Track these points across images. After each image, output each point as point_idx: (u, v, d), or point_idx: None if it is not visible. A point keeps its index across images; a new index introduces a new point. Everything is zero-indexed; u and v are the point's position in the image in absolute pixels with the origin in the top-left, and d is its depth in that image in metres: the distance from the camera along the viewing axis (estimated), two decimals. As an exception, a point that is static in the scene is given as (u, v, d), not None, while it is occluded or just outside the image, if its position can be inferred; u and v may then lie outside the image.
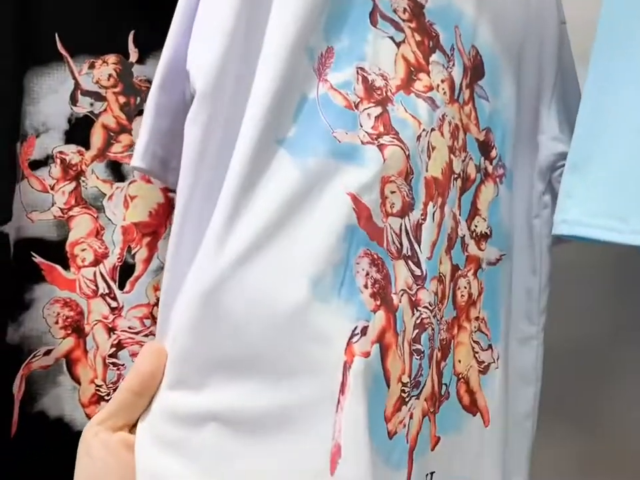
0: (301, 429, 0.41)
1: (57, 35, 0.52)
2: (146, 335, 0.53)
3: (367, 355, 0.43)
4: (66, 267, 0.52)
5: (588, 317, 0.83)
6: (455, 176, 0.53)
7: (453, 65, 0.54)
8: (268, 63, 0.43)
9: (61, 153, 0.52)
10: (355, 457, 0.41)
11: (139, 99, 0.54)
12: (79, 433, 0.49)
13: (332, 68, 0.46)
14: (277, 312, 0.42)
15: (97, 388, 0.52)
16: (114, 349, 0.53)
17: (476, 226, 0.56)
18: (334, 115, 0.45)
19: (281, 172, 0.43)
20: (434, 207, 0.50)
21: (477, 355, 0.56)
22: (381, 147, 0.46)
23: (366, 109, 0.47)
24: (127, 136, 0.54)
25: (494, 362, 0.57)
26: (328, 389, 0.42)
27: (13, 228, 0.51)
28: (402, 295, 0.46)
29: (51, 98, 0.52)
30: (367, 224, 0.45)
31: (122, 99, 0.54)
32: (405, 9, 0.50)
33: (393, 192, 0.47)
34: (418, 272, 0.48)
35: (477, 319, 0.56)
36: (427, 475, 0.51)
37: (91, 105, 0.53)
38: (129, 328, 0.53)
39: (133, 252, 0.53)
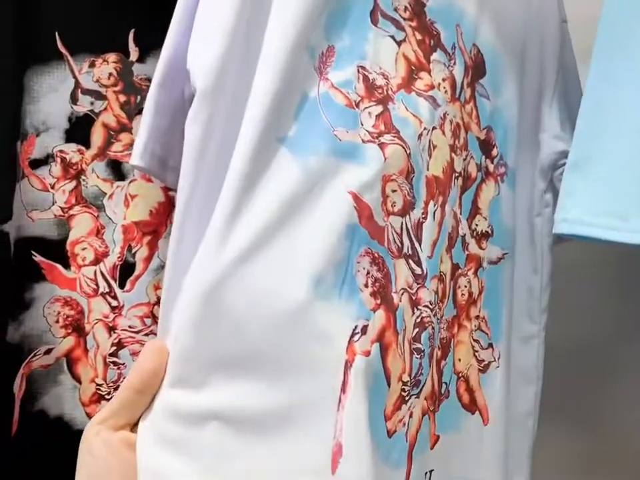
0: (302, 427, 0.41)
1: (57, 33, 0.52)
2: (146, 334, 0.53)
3: (367, 353, 0.43)
4: (66, 265, 0.52)
5: (589, 316, 0.83)
6: (456, 175, 0.53)
7: (454, 63, 0.54)
8: (268, 62, 0.43)
9: (61, 151, 0.52)
10: (356, 456, 0.41)
11: (139, 97, 0.54)
12: (79, 432, 0.49)
13: (333, 67, 0.46)
14: (278, 311, 0.41)
15: (98, 387, 0.52)
16: (114, 347, 0.53)
17: (477, 225, 0.56)
18: (335, 113, 0.45)
19: (282, 171, 0.43)
20: (435, 205, 0.50)
21: (476, 354, 0.56)
22: (381, 146, 0.46)
23: (367, 107, 0.46)
24: (128, 135, 0.54)
25: (494, 361, 0.57)
26: (329, 388, 0.42)
27: (13, 227, 0.51)
28: (402, 294, 0.46)
29: (51, 97, 0.52)
30: (368, 223, 0.45)
31: (122, 98, 0.54)
32: (405, 8, 0.50)
33: (394, 191, 0.47)
34: (418, 271, 0.48)
35: (477, 317, 0.56)
36: (426, 473, 0.51)
37: (91, 103, 0.53)
38: (130, 327, 0.53)
39: (133, 251, 0.53)
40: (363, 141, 0.45)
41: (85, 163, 0.53)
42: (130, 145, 0.53)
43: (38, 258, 0.52)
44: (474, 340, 0.56)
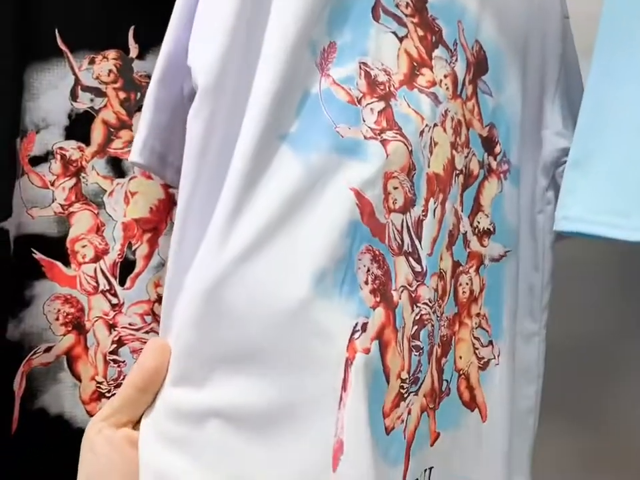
0: (303, 425, 0.41)
1: (57, 30, 0.52)
2: (147, 332, 0.53)
3: (367, 351, 0.43)
4: (66, 263, 0.52)
5: (591, 313, 0.83)
6: (457, 172, 0.53)
7: (456, 60, 0.54)
8: (269, 62, 0.43)
9: (61, 148, 0.52)
10: (357, 454, 0.41)
11: (139, 94, 0.54)
12: (79, 430, 0.49)
13: (334, 63, 0.46)
14: (279, 308, 0.41)
15: (98, 385, 0.52)
16: (115, 345, 0.53)
17: (478, 222, 0.56)
18: (337, 110, 0.45)
19: (284, 167, 0.43)
20: (435, 203, 0.50)
21: (477, 351, 0.56)
22: (383, 143, 0.46)
23: (369, 104, 0.46)
24: (128, 132, 0.53)
25: (494, 358, 0.57)
26: (330, 386, 0.42)
27: (13, 224, 0.50)
28: (402, 292, 0.46)
29: (51, 94, 0.52)
30: (369, 220, 0.45)
31: (122, 95, 0.54)
32: (407, 4, 0.50)
33: (395, 188, 0.46)
34: (418, 268, 0.48)
35: (478, 315, 0.56)
36: (425, 470, 0.51)
37: (91, 100, 0.53)
38: (130, 324, 0.53)
39: (133, 248, 0.53)
40: (365, 138, 0.45)
41: (84, 160, 0.53)
42: (130, 142, 0.53)
43: (38, 255, 0.51)
44: (474, 337, 0.56)
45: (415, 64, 0.50)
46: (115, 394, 0.44)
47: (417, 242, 0.48)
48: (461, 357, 0.55)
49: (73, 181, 0.52)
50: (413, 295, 0.47)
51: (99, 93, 0.53)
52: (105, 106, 0.53)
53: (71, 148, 0.52)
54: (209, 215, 0.42)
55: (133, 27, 0.54)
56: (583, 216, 0.51)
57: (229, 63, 0.43)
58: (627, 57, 0.52)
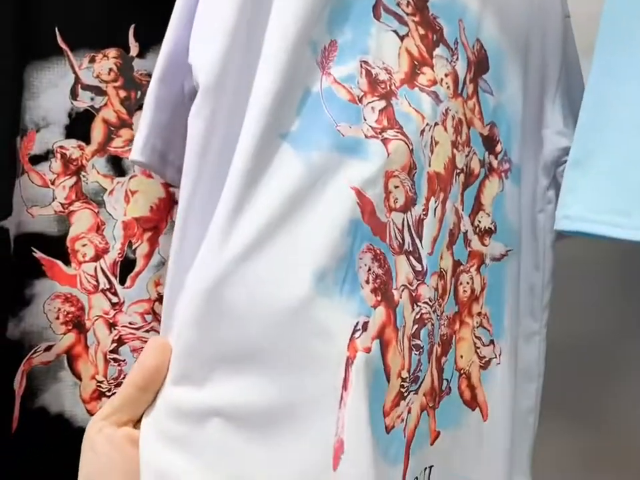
0: (304, 424, 0.41)
1: (57, 29, 0.52)
2: (147, 331, 0.53)
3: (368, 350, 0.43)
4: (67, 262, 0.52)
5: (592, 313, 0.82)
6: (458, 171, 0.53)
7: (457, 58, 0.53)
8: (269, 61, 0.43)
9: (61, 147, 0.52)
10: (358, 453, 0.41)
11: (139, 93, 0.54)
12: (79, 429, 0.49)
13: (335, 61, 0.46)
14: (280, 307, 0.41)
15: (98, 384, 0.52)
16: (115, 344, 0.53)
17: (479, 221, 0.56)
18: (338, 108, 0.45)
19: (285, 166, 0.43)
20: (436, 202, 0.50)
21: (478, 351, 0.56)
22: (384, 141, 0.46)
23: (370, 102, 0.46)
24: (128, 130, 0.53)
25: (495, 357, 0.57)
26: (330, 385, 0.42)
27: (13, 223, 0.50)
28: (402, 291, 0.46)
29: (51, 92, 0.52)
30: (370, 218, 0.45)
31: (122, 93, 0.53)
32: (408, 3, 0.50)
33: (396, 187, 0.46)
34: (419, 267, 0.48)
35: (479, 314, 0.56)
36: (425, 468, 0.51)
37: (92, 99, 0.53)
38: (130, 323, 0.53)
39: (133, 247, 0.53)
40: (366, 137, 0.45)
41: (85, 159, 0.53)
42: (130, 141, 0.53)
43: (38, 254, 0.51)
44: (475, 337, 0.56)
45: (416, 63, 0.50)
46: (115, 393, 0.44)
47: (417, 241, 0.48)
48: (461, 356, 0.55)
49: (73, 179, 0.52)
50: (414, 294, 0.47)
51: (99, 91, 0.53)
52: (105, 104, 0.53)
53: (71, 147, 0.52)
54: (210, 214, 0.42)
55: (133, 26, 0.54)
56: (584, 215, 0.51)
57: (230, 61, 0.42)
58: (627, 56, 0.52)
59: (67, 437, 0.50)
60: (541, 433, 0.62)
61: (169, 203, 0.54)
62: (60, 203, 0.52)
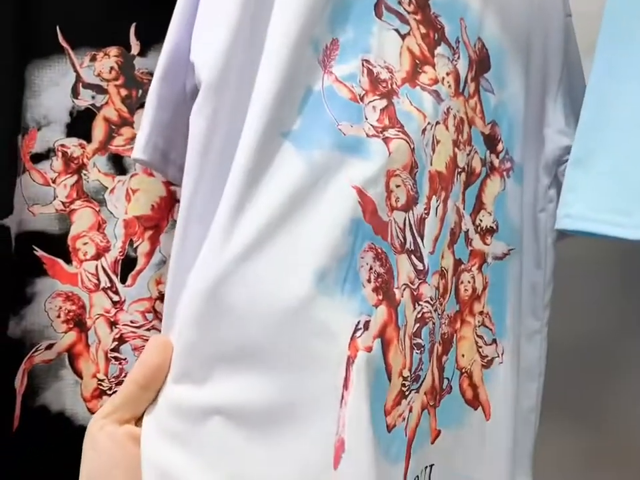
0: (305, 423, 0.41)
1: (58, 27, 0.52)
2: (148, 329, 0.53)
3: (369, 349, 0.43)
4: (68, 260, 0.52)
5: (593, 312, 0.83)
6: (459, 170, 0.53)
7: (458, 57, 0.53)
8: (271, 59, 0.43)
9: (62, 146, 0.52)
10: (359, 452, 0.41)
11: (140, 91, 0.54)
12: (80, 427, 0.49)
13: (337, 60, 0.46)
14: (280, 307, 0.41)
15: (99, 382, 0.52)
16: (116, 343, 0.52)
17: (481, 220, 0.56)
18: (339, 107, 0.45)
19: (286, 165, 0.43)
20: (437, 201, 0.50)
21: (480, 350, 0.56)
22: (386, 140, 0.46)
23: (371, 101, 0.46)
24: (129, 129, 0.53)
25: (498, 356, 0.57)
26: (331, 384, 0.42)
27: (14, 221, 0.50)
28: (404, 290, 0.46)
29: (52, 91, 0.52)
30: (372, 218, 0.45)
31: (123, 92, 0.53)
32: (410, 1, 0.50)
33: (397, 186, 0.46)
34: (420, 266, 0.48)
35: (481, 313, 0.56)
36: (426, 467, 0.51)
37: (93, 97, 0.53)
38: (131, 322, 0.53)
39: (134, 245, 0.53)
40: (368, 135, 0.45)
41: (86, 157, 0.53)
42: (131, 139, 0.53)
43: (39, 253, 0.51)
44: (477, 336, 0.56)
45: (417, 61, 0.50)
46: (116, 391, 0.44)
47: (419, 240, 0.48)
48: (463, 355, 0.55)
49: (74, 178, 0.52)
50: (415, 293, 0.47)
51: (100, 90, 0.53)
52: (106, 103, 0.53)
53: (72, 145, 0.52)
54: (212, 213, 0.42)
55: (134, 24, 0.53)
56: (585, 214, 0.51)
57: (232, 59, 0.42)
58: (628, 56, 0.52)
59: (68, 436, 0.50)
60: (542, 432, 0.62)
61: (170, 202, 0.54)
62: (61, 201, 0.52)
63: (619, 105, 0.52)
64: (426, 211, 0.49)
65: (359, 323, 0.43)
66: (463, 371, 0.55)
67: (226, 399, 0.41)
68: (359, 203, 0.44)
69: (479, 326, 0.56)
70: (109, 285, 0.53)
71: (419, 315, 0.47)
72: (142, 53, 0.54)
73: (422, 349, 0.48)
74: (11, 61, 0.50)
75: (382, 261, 0.45)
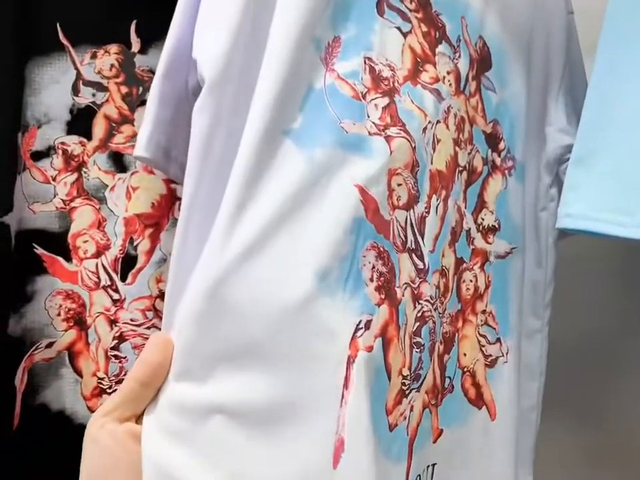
0: (305, 422, 0.41)
1: (58, 24, 0.52)
2: (148, 327, 0.53)
3: (370, 349, 0.43)
4: (68, 258, 0.52)
5: (594, 311, 0.83)
6: (460, 169, 0.53)
7: (459, 56, 0.53)
8: (272, 58, 0.43)
9: (62, 143, 0.52)
10: (358, 451, 0.41)
11: (141, 89, 0.53)
12: (80, 426, 0.49)
13: (339, 57, 0.45)
14: (281, 306, 0.41)
15: (99, 381, 0.52)
16: (116, 341, 0.52)
17: (482, 219, 0.56)
18: (341, 105, 0.45)
19: (288, 163, 0.42)
20: (437, 200, 0.50)
21: (483, 349, 0.56)
22: (387, 139, 0.46)
23: (373, 99, 0.46)
24: (129, 126, 0.53)
25: (502, 356, 0.57)
26: (332, 384, 0.42)
27: (14, 219, 0.50)
28: (405, 289, 0.46)
29: (52, 88, 0.52)
30: (374, 216, 0.44)
31: (124, 89, 0.53)
32: None
33: (399, 184, 0.46)
34: (421, 265, 0.48)
35: (483, 312, 0.56)
36: (428, 466, 0.51)
37: (93, 95, 0.53)
38: (131, 320, 0.53)
39: (135, 243, 0.53)
40: (369, 133, 0.45)
41: (86, 155, 0.52)
42: (132, 137, 0.53)
43: (39, 251, 0.51)
44: (480, 335, 0.56)
45: (419, 60, 0.50)
46: (116, 390, 0.44)
47: (419, 239, 0.48)
48: (465, 354, 0.55)
49: (75, 175, 0.52)
50: (416, 292, 0.47)
51: (100, 87, 0.53)
52: (107, 100, 0.53)
53: (73, 143, 0.52)
54: (213, 211, 0.42)
55: (134, 22, 0.53)
56: (586, 213, 0.51)
57: (234, 59, 0.42)
58: (630, 54, 0.52)
59: (68, 434, 0.50)
60: (543, 431, 0.62)
61: (170, 200, 0.54)
62: (61, 199, 0.52)
63: (620, 104, 0.52)
64: (426, 210, 0.49)
65: (360, 322, 0.43)
66: (465, 370, 0.55)
67: (227, 397, 0.41)
68: (361, 202, 0.44)
69: (482, 325, 0.56)
70: (109, 283, 0.52)
71: (419, 314, 0.47)
72: (142, 51, 0.54)
73: (422, 347, 0.48)
74: (11, 59, 0.50)
75: (384, 259, 0.45)
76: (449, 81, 0.52)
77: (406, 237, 0.47)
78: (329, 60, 0.45)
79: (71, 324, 0.52)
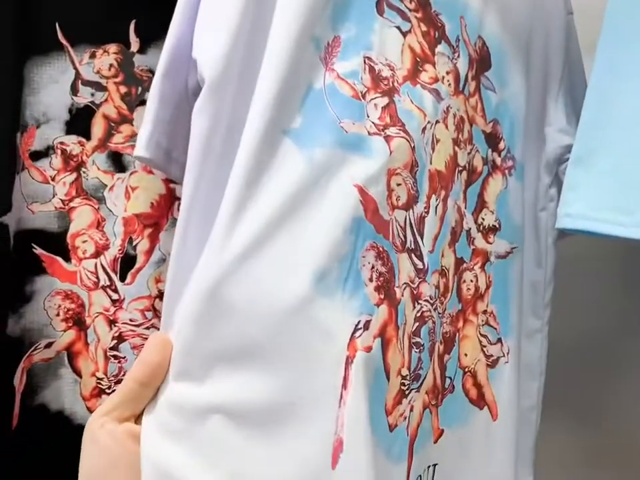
0: (304, 423, 0.41)
1: (57, 24, 0.51)
2: (147, 328, 0.53)
3: (369, 349, 0.43)
4: (67, 258, 0.52)
5: (594, 310, 0.83)
6: (460, 168, 0.53)
7: (458, 56, 0.53)
8: (272, 58, 0.43)
9: (61, 143, 0.52)
10: (357, 452, 0.41)
11: (140, 88, 0.53)
12: (79, 426, 0.49)
13: (339, 57, 0.45)
14: (280, 307, 0.41)
15: (98, 381, 0.52)
16: (115, 341, 0.52)
17: (483, 219, 0.56)
18: (341, 104, 0.45)
19: (288, 163, 0.42)
20: (437, 200, 0.50)
21: (484, 349, 0.56)
22: (387, 139, 0.46)
23: (373, 99, 0.46)
24: (128, 126, 0.53)
25: (504, 356, 0.57)
26: (330, 384, 0.41)
27: (13, 219, 0.50)
28: (404, 289, 0.46)
29: (51, 88, 0.52)
30: (373, 216, 0.44)
31: (123, 89, 0.53)
32: None
33: (398, 184, 0.46)
34: (420, 265, 0.48)
35: (484, 312, 0.56)
36: (429, 467, 0.51)
37: (92, 95, 0.53)
38: (130, 320, 0.53)
39: (134, 243, 0.53)
40: (369, 133, 0.45)
41: (85, 155, 0.52)
42: (131, 137, 0.53)
43: (38, 251, 0.51)
44: (481, 335, 0.56)
45: (418, 59, 0.50)
46: (115, 390, 0.44)
47: (419, 239, 0.48)
48: (466, 355, 0.54)
49: (74, 175, 0.52)
50: (415, 292, 0.47)
51: (99, 87, 0.53)
52: (106, 100, 0.53)
53: (72, 143, 0.52)
54: (213, 211, 0.42)
55: (134, 21, 0.53)
56: (586, 213, 0.51)
57: (233, 60, 0.42)
58: (630, 54, 0.52)
59: (67, 434, 0.50)
60: (543, 431, 0.62)
61: (169, 199, 0.54)
62: (60, 199, 0.52)
63: (620, 104, 0.52)
64: (426, 210, 0.49)
65: (359, 322, 0.43)
66: (466, 370, 0.55)
67: (226, 397, 0.41)
68: (360, 202, 0.44)
69: (483, 325, 0.56)
70: (108, 283, 0.52)
71: (419, 314, 0.47)
72: (141, 50, 0.54)
73: (421, 347, 0.48)
74: (10, 58, 0.50)
75: (384, 260, 0.45)
76: (448, 81, 0.52)
77: (405, 237, 0.47)
78: (329, 60, 0.45)
79: (70, 324, 0.52)
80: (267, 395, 0.41)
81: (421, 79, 0.50)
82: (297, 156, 0.43)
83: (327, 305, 0.42)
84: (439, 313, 0.50)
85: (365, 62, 0.46)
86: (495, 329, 0.57)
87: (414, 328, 0.47)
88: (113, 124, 0.53)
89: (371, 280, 0.44)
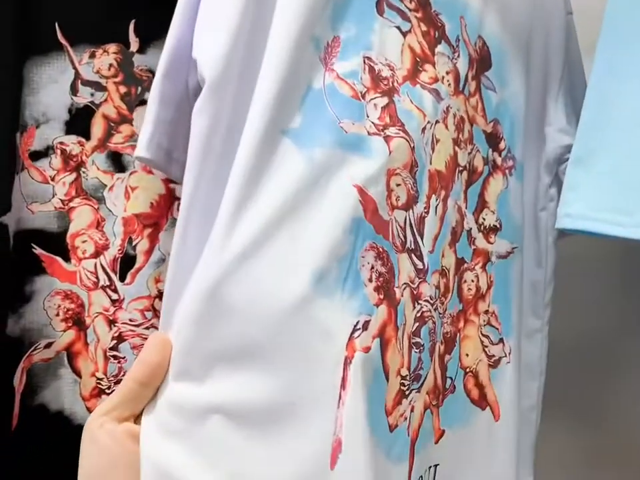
0: (303, 423, 0.41)
1: (57, 24, 0.51)
2: (147, 328, 0.53)
3: (367, 349, 0.43)
4: (66, 258, 0.52)
5: (593, 310, 0.83)
6: (460, 169, 0.53)
7: (458, 56, 0.53)
8: (272, 59, 0.43)
9: (61, 143, 0.52)
10: (356, 452, 0.41)
11: (139, 88, 0.53)
12: (79, 426, 0.49)
13: (338, 57, 0.45)
14: (280, 307, 0.41)
15: (98, 381, 0.52)
16: (115, 341, 0.52)
17: (484, 219, 0.56)
18: (340, 104, 0.45)
19: (287, 163, 0.42)
20: (437, 200, 0.50)
21: (486, 349, 0.56)
22: (387, 139, 0.46)
23: (372, 99, 0.46)
24: (128, 126, 0.53)
25: (505, 356, 0.57)
26: (329, 384, 0.41)
27: (12, 219, 0.50)
28: (404, 289, 0.46)
29: (51, 88, 0.52)
30: (373, 217, 0.44)
31: (123, 89, 0.53)
32: None
33: (398, 185, 0.46)
34: (420, 265, 0.48)
35: (486, 312, 0.56)
36: (430, 467, 0.50)
37: (92, 94, 0.53)
38: (130, 320, 0.53)
39: (134, 243, 0.53)
40: (369, 133, 0.45)
41: (85, 155, 0.52)
42: (130, 137, 0.53)
43: (38, 251, 0.51)
44: (483, 335, 0.56)
45: (418, 59, 0.50)
46: (115, 390, 0.44)
47: (419, 239, 0.48)
48: (467, 355, 0.54)
49: (73, 175, 0.52)
50: (415, 292, 0.47)
51: (99, 87, 0.53)
52: (106, 100, 0.53)
53: (71, 142, 0.52)
54: (213, 211, 0.42)
55: (133, 21, 0.53)
56: (585, 213, 0.51)
57: (233, 60, 0.42)
58: (629, 54, 0.52)
59: (67, 435, 0.50)
60: (542, 430, 0.62)
61: (169, 199, 0.54)
62: (60, 199, 0.52)
63: (619, 104, 0.52)
64: (425, 210, 0.49)
65: (357, 323, 0.43)
66: (468, 370, 0.55)
67: (225, 397, 0.41)
68: (359, 202, 0.44)
69: (485, 325, 0.56)
70: (107, 283, 0.52)
71: (419, 314, 0.47)
72: (141, 50, 0.54)
73: (421, 348, 0.47)
74: (9, 58, 0.50)
75: (383, 260, 0.45)
76: (447, 81, 0.52)
77: (405, 237, 0.47)
78: (329, 60, 0.45)
79: (70, 324, 0.52)
80: (266, 395, 0.41)
81: (420, 78, 0.50)
82: (297, 156, 0.43)
83: (326, 304, 0.42)
84: (440, 313, 0.50)
85: (364, 62, 0.46)
86: (497, 329, 0.57)
87: (414, 328, 0.47)
88: (112, 124, 0.53)
89: (370, 280, 0.44)
